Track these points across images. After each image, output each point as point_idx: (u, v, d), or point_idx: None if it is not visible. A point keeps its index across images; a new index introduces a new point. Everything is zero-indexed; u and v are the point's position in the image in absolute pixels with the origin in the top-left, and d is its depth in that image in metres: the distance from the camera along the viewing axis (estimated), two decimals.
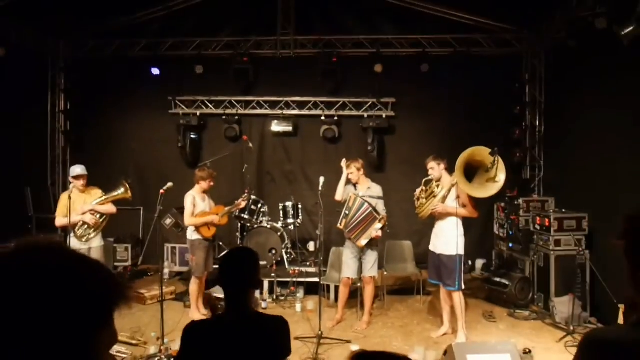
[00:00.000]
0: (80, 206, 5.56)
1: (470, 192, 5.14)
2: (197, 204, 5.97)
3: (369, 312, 5.96)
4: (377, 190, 5.82)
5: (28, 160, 8.42)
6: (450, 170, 5.44)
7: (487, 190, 5.13)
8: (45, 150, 9.05)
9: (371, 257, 5.80)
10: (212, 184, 6.09)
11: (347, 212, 5.68)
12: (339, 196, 5.85)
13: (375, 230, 5.59)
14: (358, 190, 5.81)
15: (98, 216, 5.64)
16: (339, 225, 5.76)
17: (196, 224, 5.91)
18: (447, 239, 5.30)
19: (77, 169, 5.65)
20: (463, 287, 5.36)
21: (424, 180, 5.57)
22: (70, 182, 5.71)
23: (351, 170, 5.77)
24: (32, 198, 8.26)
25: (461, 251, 5.27)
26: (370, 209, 5.58)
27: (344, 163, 5.93)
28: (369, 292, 5.91)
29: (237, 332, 2.26)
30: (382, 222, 5.61)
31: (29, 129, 8.44)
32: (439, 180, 5.48)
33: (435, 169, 5.48)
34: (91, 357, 0.74)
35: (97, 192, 5.74)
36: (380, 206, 5.74)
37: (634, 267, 1.25)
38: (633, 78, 5.64)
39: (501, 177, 5.05)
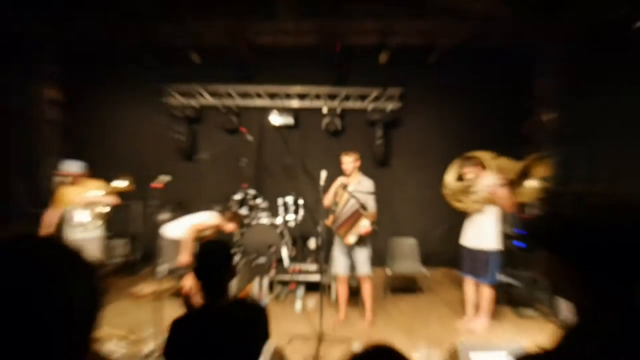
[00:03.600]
0: (80, 196, 5.86)
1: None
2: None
3: (370, 311, 6.09)
4: (367, 184, 5.89)
5: (19, 154, 8.51)
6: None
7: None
8: (37, 142, 9.15)
9: (361, 254, 5.88)
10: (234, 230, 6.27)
11: (334, 208, 5.77)
12: (327, 201, 5.91)
13: (363, 227, 5.64)
14: (349, 183, 5.89)
15: (100, 207, 5.99)
16: (327, 221, 5.84)
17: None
18: (486, 232, 5.61)
19: (68, 166, 5.97)
20: (496, 281, 5.75)
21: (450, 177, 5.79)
22: (62, 175, 6.00)
23: (349, 160, 5.84)
24: (24, 192, 8.35)
25: (497, 246, 5.62)
26: (358, 205, 5.63)
27: (343, 180, 5.94)
28: (366, 291, 6.02)
29: (216, 321, 2.46)
30: (370, 218, 5.66)
31: (19, 119, 8.52)
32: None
33: (474, 171, 5.72)
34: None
35: (98, 184, 6.04)
36: (371, 202, 5.80)
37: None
38: None
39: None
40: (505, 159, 5.61)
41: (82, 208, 5.97)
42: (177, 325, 2.51)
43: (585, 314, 1.07)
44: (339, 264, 5.96)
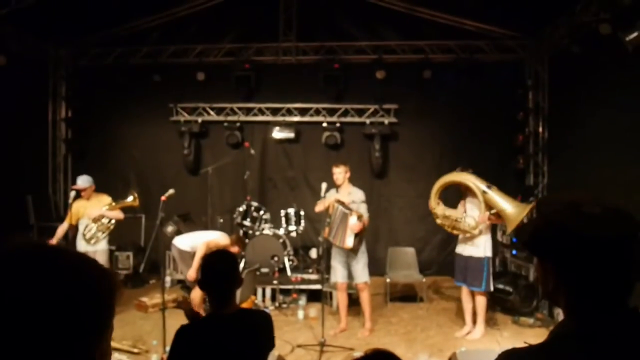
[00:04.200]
0: (89, 211, 5.98)
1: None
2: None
3: (369, 319, 5.99)
4: (358, 195, 5.87)
5: (29, 168, 8.52)
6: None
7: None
8: (47, 158, 9.16)
9: (359, 262, 5.82)
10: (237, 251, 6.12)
11: (328, 220, 5.72)
12: (318, 208, 5.88)
13: (352, 224, 5.54)
14: (340, 194, 5.83)
15: (107, 221, 6.06)
16: (324, 235, 5.77)
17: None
18: (477, 241, 5.61)
19: (79, 181, 6.07)
20: (491, 288, 5.72)
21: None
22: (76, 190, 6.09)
23: (339, 170, 5.80)
24: (33, 206, 8.32)
25: (489, 253, 5.61)
26: (341, 208, 5.61)
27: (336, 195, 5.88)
28: (364, 299, 5.94)
29: (223, 330, 2.40)
30: (356, 214, 5.58)
31: (30, 137, 8.52)
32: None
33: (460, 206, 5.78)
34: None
35: (105, 199, 6.14)
36: (362, 209, 5.75)
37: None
38: (638, 84, 5.69)
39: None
40: (495, 192, 5.52)
41: (91, 222, 6.00)
42: (183, 333, 2.44)
43: (573, 315, 1.05)
44: (338, 272, 5.89)
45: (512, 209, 5.36)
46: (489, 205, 5.48)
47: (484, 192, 5.47)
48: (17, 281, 0.71)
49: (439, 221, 5.82)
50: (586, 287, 1.01)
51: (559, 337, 1.04)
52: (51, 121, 9.19)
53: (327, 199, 5.75)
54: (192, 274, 5.69)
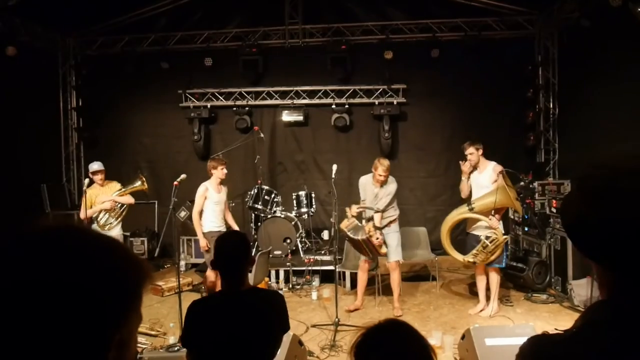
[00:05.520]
0: (101, 198, 6.02)
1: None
2: (209, 196, 5.95)
3: (398, 300, 5.90)
4: (390, 187, 5.74)
5: (43, 157, 8.55)
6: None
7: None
8: (59, 147, 9.19)
9: (392, 240, 5.74)
10: (225, 171, 5.95)
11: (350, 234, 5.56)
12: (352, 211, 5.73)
13: (376, 241, 5.49)
14: (375, 189, 5.73)
15: (118, 206, 6.12)
16: (342, 226, 5.63)
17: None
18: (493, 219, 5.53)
19: (94, 165, 6.13)
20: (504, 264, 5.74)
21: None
22: (89, 178, 6.12)
23: (379, 172, 5.61)
24: (48, 195, 8.38)
25: (504, 232, 5.58)
26: (359, 236, 5.45)
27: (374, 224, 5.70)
28: (395, 279, 5.83)
29: (235, 305, 2.39)
30: (367, 228, 5.50)
31: (42, 126, 8.55)
32: (476, 166, 5.57)
33: (475, 154, 5.53)
34: (124, 341, 0.72)
35: (115, 185, 6.19)
36: (384, 200, 5.66)
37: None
38: None
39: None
40: (479, 202, 5.47)
41: (105, 207, 6.03)
42: (195, 306, 2.46)
43: (611, 300, 0.92)
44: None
45: (498, 199, 5.31)
46: (488, 212, 5.44)
47: (471, 210, 5.49)
48: (35, 262, 0.67)
49: (481, 258, 5.53)
50: (630, 269, 0.87)
51: (592, 325, 0.92)
52: (62, 110, 9.20)
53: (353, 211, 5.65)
54: (202, 243, 5.83)
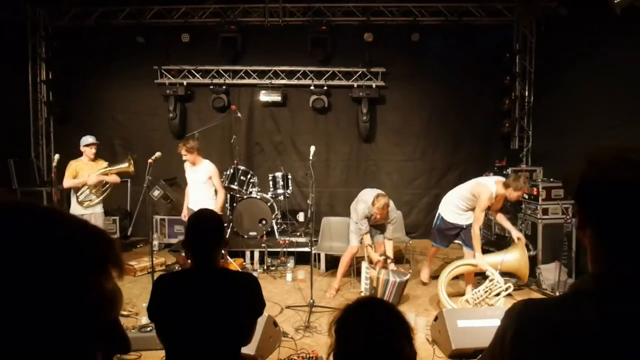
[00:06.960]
0: (85, 172, 5.84)
1: None
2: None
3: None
4: (393, 214, 5.87)
5: (10, 132, 8.21)
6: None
7: None
8: (28, 121, 8.85)
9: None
10: (181, 151, 5.92)
11: (372, 290, 5.40)
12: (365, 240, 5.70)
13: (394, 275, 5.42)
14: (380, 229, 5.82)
15: (102, 183, 5.95)
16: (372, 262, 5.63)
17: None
18: (469, 213, 5.59)
19: (89, 138, 5.92)
20: None
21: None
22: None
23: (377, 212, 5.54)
24: (15, 171, 8.08)
25: None
26: (390, 284, 5.36)
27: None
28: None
29: (204, 284, 2.30)
30: (384, 261, 5.60)
31: (9, 100, 8.19)
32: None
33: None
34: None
35: (102, 163, 6.01)
36: (390, 228, 5.80)
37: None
38: (624, 47, 5.61)
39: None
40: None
41: (91, 182, 5.82)
42: (163, 280, 2.41)
43: (599, 270, 0.96)
44: (355, 237, 5.77)
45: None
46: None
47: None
48: None
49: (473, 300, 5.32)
50: (622, 239, 0.91)
51: (578, 293, 0.96)
52: (31, 83, 8.84)
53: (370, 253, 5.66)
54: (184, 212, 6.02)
